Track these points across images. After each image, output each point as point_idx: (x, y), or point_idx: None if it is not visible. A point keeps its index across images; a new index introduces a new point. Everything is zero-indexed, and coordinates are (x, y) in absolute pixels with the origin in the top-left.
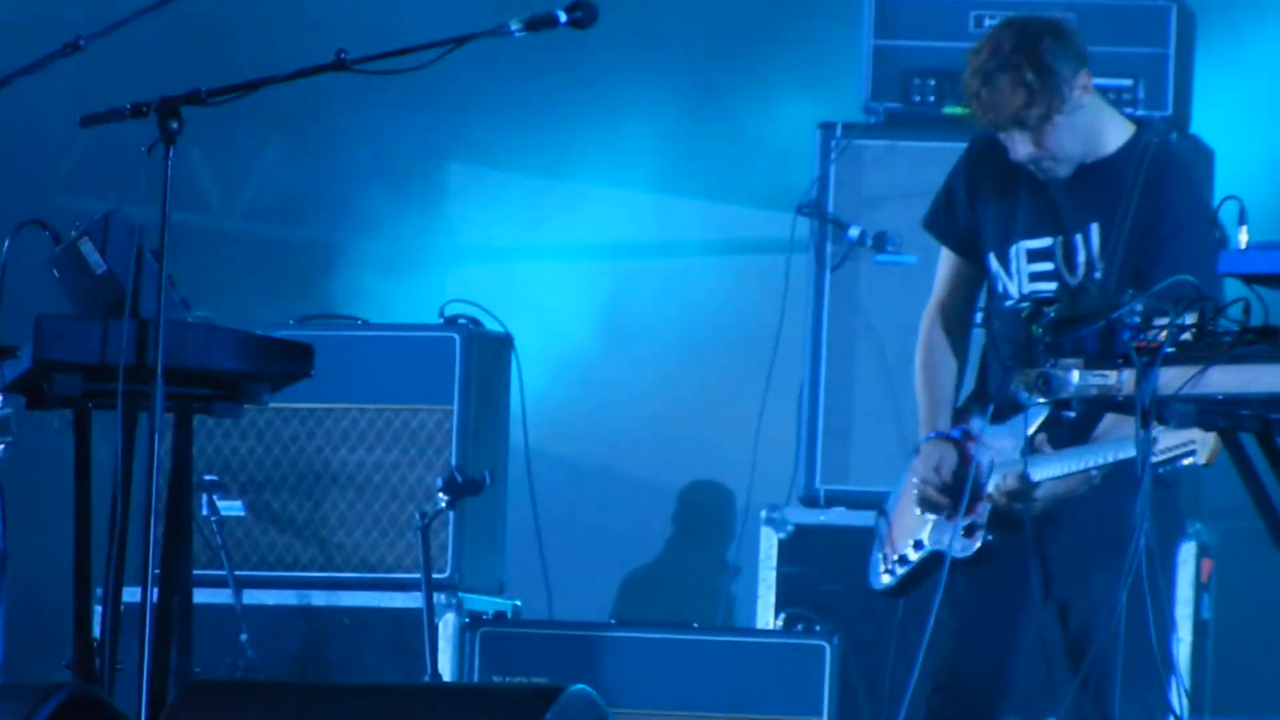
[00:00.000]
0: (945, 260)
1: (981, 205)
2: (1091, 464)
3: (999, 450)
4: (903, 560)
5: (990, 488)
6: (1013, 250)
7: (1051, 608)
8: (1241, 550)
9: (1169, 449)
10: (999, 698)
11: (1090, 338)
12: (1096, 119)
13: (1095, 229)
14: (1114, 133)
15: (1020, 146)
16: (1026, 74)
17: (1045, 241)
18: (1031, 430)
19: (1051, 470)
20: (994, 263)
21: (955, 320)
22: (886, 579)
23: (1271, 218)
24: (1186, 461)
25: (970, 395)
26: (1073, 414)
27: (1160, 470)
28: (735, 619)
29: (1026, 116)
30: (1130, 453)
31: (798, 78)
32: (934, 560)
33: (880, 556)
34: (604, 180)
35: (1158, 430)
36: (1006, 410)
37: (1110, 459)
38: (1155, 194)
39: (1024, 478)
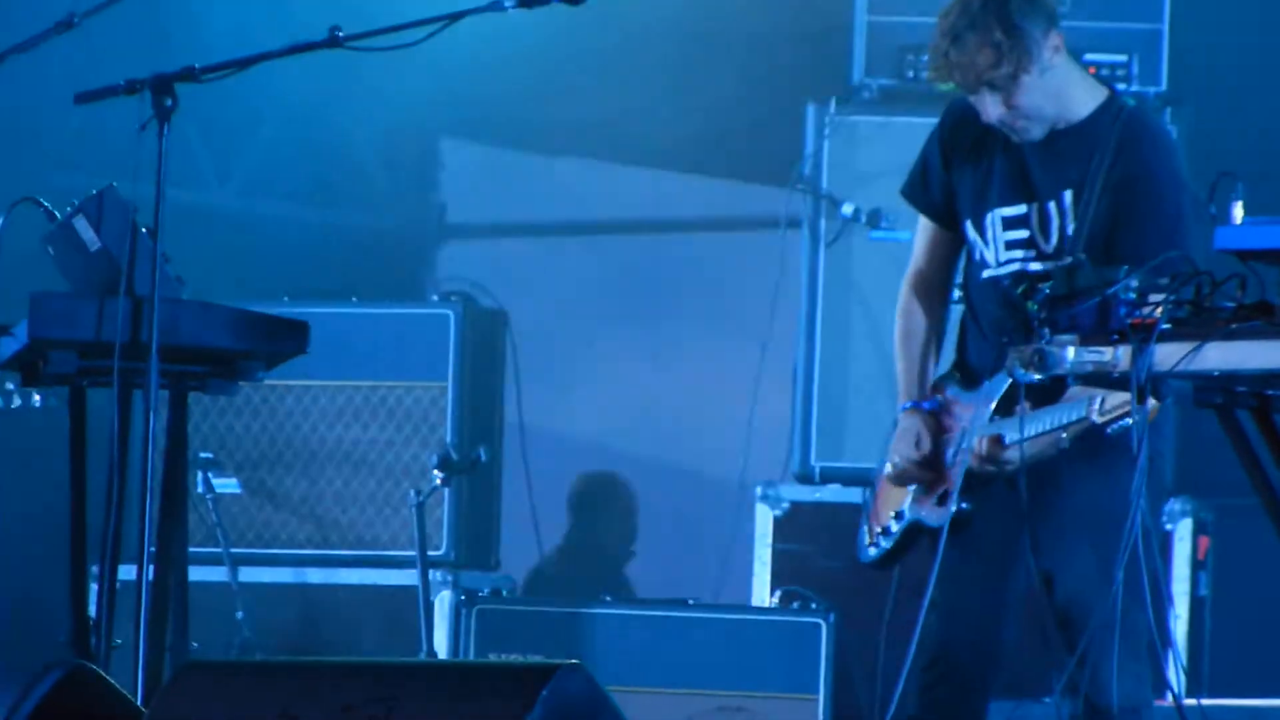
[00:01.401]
0: (923, 229)
1: (957, 172)
2: (1043, 428)
3: (972, 417)
4: (886, 532)
5: (964, 453)
6: (988, 218)
7: (1037, 577)
8: (1238, 527)
9: (1115, 407)
10: (990, 670)
11: (1085, 314)
12: (1068, 81)
13: (1068, 195)
14: (1086, 97)
15: (991, 108)
16: (995, 33)
17: (1020, 209)
18: (999, 394)
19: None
20: (971, 230)
21: (933, 289)
22: (873, 551)
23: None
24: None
25: (951, 365)
26: (1033, 380)
27: (1109, 430)
28: (731, 596)
29: (995, 76)
30: (1078, 413)
31: (791, 53)
32: (915, 530)
33: (866, 529)
34: (597, 156)
35: (1105, 391)
36: (980, 376)
37: (1059, 422)
38: (1127, 158)
39: (997, 440)
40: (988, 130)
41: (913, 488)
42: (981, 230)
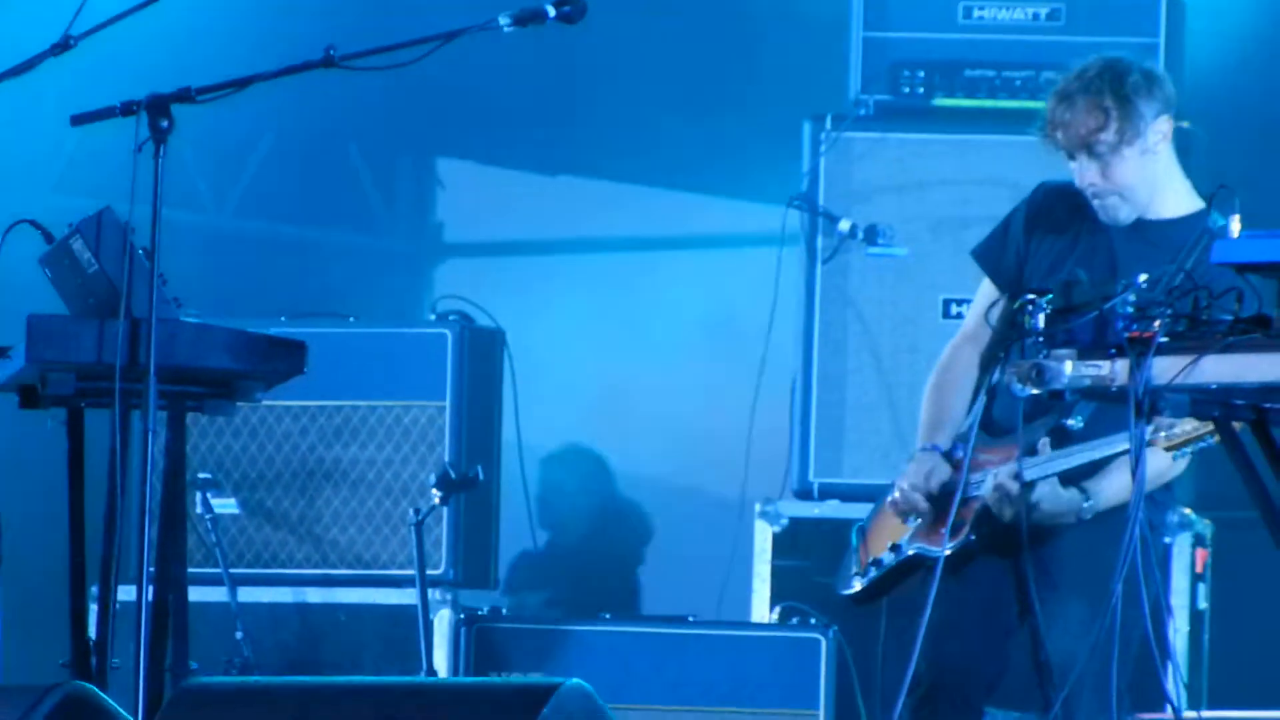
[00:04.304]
0: (982, 294)
1: (1036, 242)
2: (1085, 459)
3: (995, 460)
4: (877, 563)
5: (983, 489)
6: None
7: (1026, 628)
8: (1237, 540)
9: (1181, 433)
10: (978, 691)
11: (1083, 328)
12: (1168, 176)
13: (1142, 279)
14: (1181, 198)
15: (1087, 173)
16: (1106, 99)
17: None
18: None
19: (1045, 468)
20: None
21: (979, 353)
22: (857, 584)
23: (1262, 205)
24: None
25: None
26: (1079, 426)
27: (1175, 457)
28: (730, 613)
29: (1097, 141)
30: (1121, 445)
31: (787, 70)
32: (909, 564)
33: (854, 561)
34: (595, 174)
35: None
36: (1003, 431)
37: (1114, 449)
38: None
39: (1018, 476)
40: (1077, 211)
41: (913, 523)
42: None
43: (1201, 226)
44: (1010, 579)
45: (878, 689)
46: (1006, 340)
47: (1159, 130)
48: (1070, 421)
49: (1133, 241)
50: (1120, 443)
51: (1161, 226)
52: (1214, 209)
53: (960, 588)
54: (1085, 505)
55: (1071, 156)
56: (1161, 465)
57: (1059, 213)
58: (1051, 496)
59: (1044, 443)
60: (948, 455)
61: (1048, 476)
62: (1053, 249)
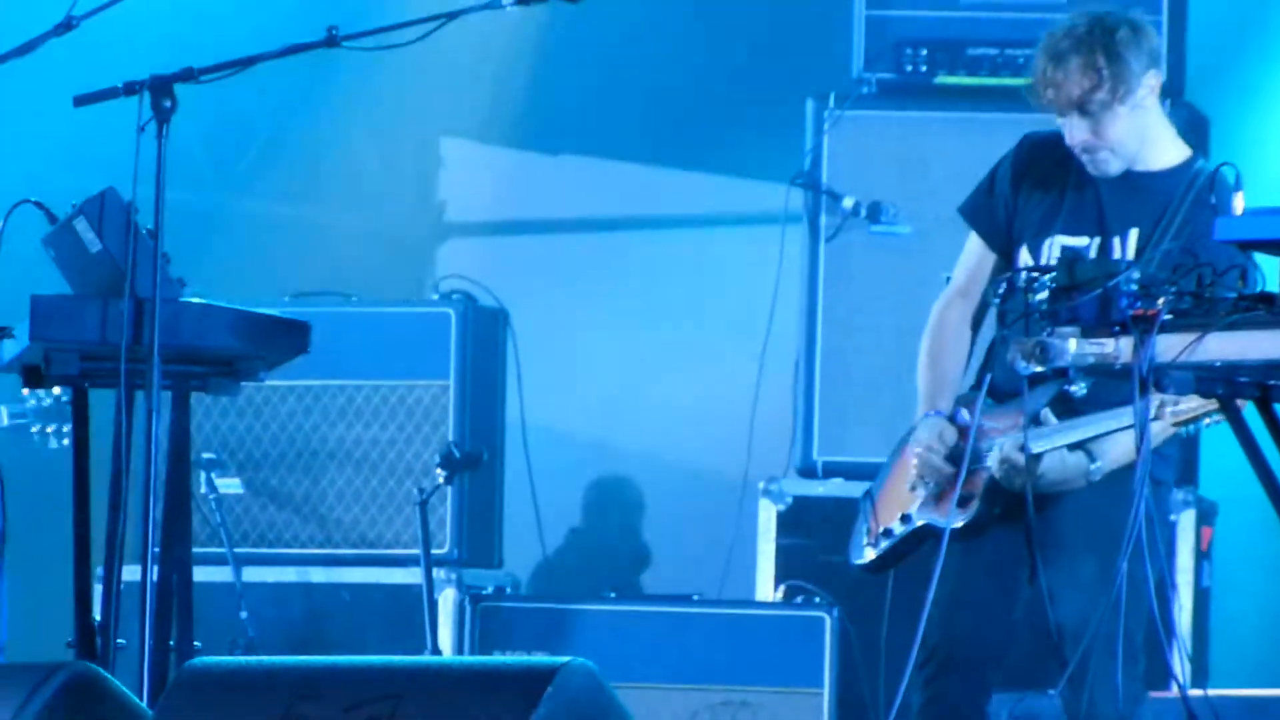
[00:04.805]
0: (971, 250)
1: (1024, 197)
2: (1091, 433)
3: (1000, 428)
4: (888, 533)
5: (990, 460)
6: (1046, 243)
7: (1038, 590)
8: (1241, 517)
9: (1184, 410)
10: (990, 668)
11: (1087, 305)
12: (1156, 128)
13: (1134, 233)
14: (1169, 149)
15: (1078, 132)
16: (1098, 58)
17: (1083, 240)
18: (1044, 404)
19: (1052, 440)
20: (1024, 255)
21: (970, 311)
22: (870, 553)
23: (1267, 183)
24: (1207, 422)
25: (972, 386)
26: (1082, 392)
27: (1184, 433)
28: (734, 591)
29: (1090, 100)
30: (1126, 419)
31: (790, 48)
32: (919, 535)
33: (864, 530)
34: (598, 153)
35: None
36: (1013, 394)
37: (1110, 427)
38: (1198, 221)
39: (1023, 448)
40: (1063, 163)
41: (922, 492)
42: (1036, 255)
43: (1190, 174)
44: (1019, 543)
45: (882, 665)
46: (1004, 313)
47: (1148, 84)
48: (1073, 388)
49: (1121, 193)
50: (1125, 416)
51: (1150, 177)
52: (1202, 159)
53: (970, 558)
54: (1093, 468)
55: (1062, 114)
56: (1159, 426)
57: (1045, 165)
58: (1058, 464)
59: (1047, 412)
60: (951, 420)
61: (1055, 449)
62: (1041, 203)
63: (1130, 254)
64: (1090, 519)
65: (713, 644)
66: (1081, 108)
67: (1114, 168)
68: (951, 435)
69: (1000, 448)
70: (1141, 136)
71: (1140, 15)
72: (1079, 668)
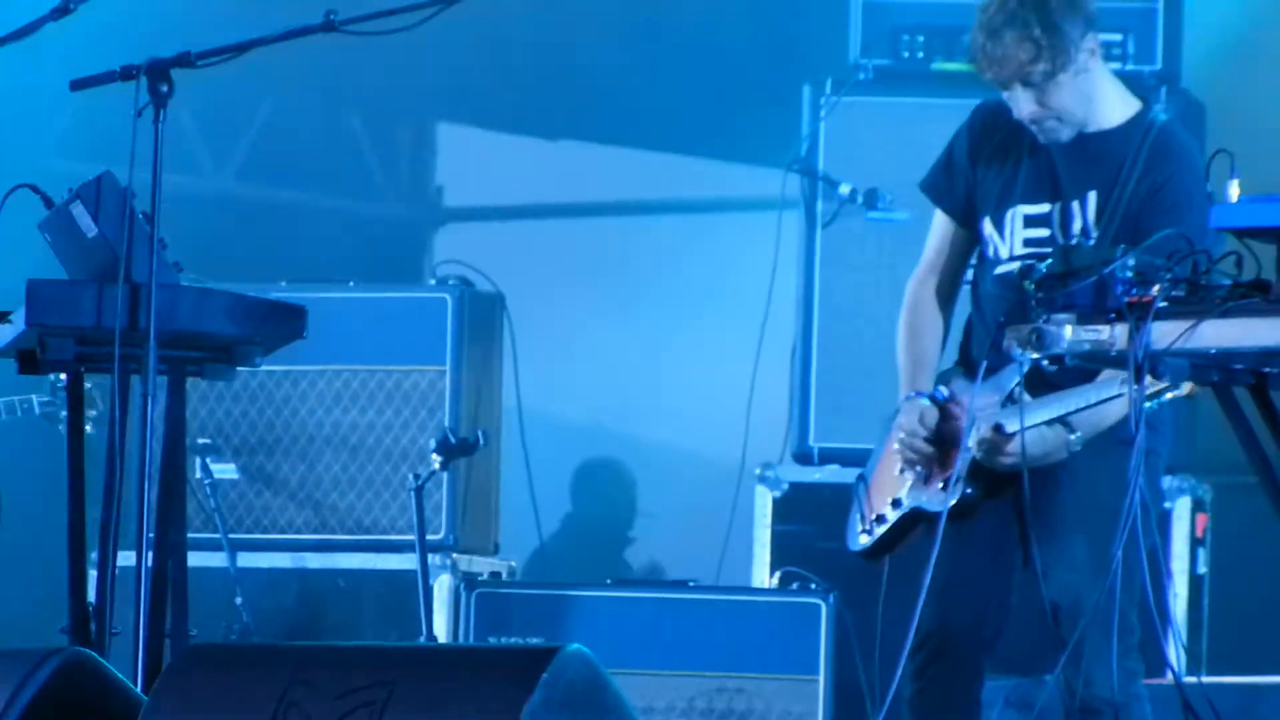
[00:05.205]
0: (938, 225)
1: (982, 169)
2: (1068, 409)
3: (981, 407)
4: (880, 519)
5: (970, 441)
6: (1009, 214)
7: (1031, 570)
8: (1236, 504)
9: (1152, 383)
10: (981, 652)
11: (1083, 293)
12: (1102, 87)
13: (1093, 197)
14: (1118, 105)
15: (1023, 104)
16: (1034, 29)
17: (1043, 207)
18: (1015, 382)
19: (1029, 418)
20: (988, 227)
21: (943, 286)
22: (864, 539)
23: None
24: (1169, 395)
25: (955, 362)
26: (1054, 368)
27: (1149, 405)
28: (730, 578)
29: (1031, 72)
30: (1108, 392)
31: (787, 33)
32: (912, 519)
33: (858, 517)
34: (594, 138)
35: None
36: (989, 370)
37: (1087, 401)
38: (1155, 171)
39: (998, 428)
40: (1016, 132)
41: (911, 476)
42: (1000, 226)
43: (1144, 127)
44: (1012, 526)
45: (878, 652)
46: (976, 286)
47: (1087, 48)
48: (1045, 363)
49: (1075, 158)
50: (1096, 391)
51: (1102, 138)
52: (1156, 108)
53: (962, 540)
54: (1072, 439)
55: (1005, 88)
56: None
57: (1000, 135)
58: (1038, 439)
59: (1019, 390)
60: (933, 399)
61: (1033, 426)
62: (1000, 175)
63: (1091, 218)
64: (1078, 492)
65: (709, 630)
66: (1024, 80)
67: (1064, 135)
68: (932, 416)
69: (978, 429)
70: (1088, 99)
71: None
72: (1075, 647)
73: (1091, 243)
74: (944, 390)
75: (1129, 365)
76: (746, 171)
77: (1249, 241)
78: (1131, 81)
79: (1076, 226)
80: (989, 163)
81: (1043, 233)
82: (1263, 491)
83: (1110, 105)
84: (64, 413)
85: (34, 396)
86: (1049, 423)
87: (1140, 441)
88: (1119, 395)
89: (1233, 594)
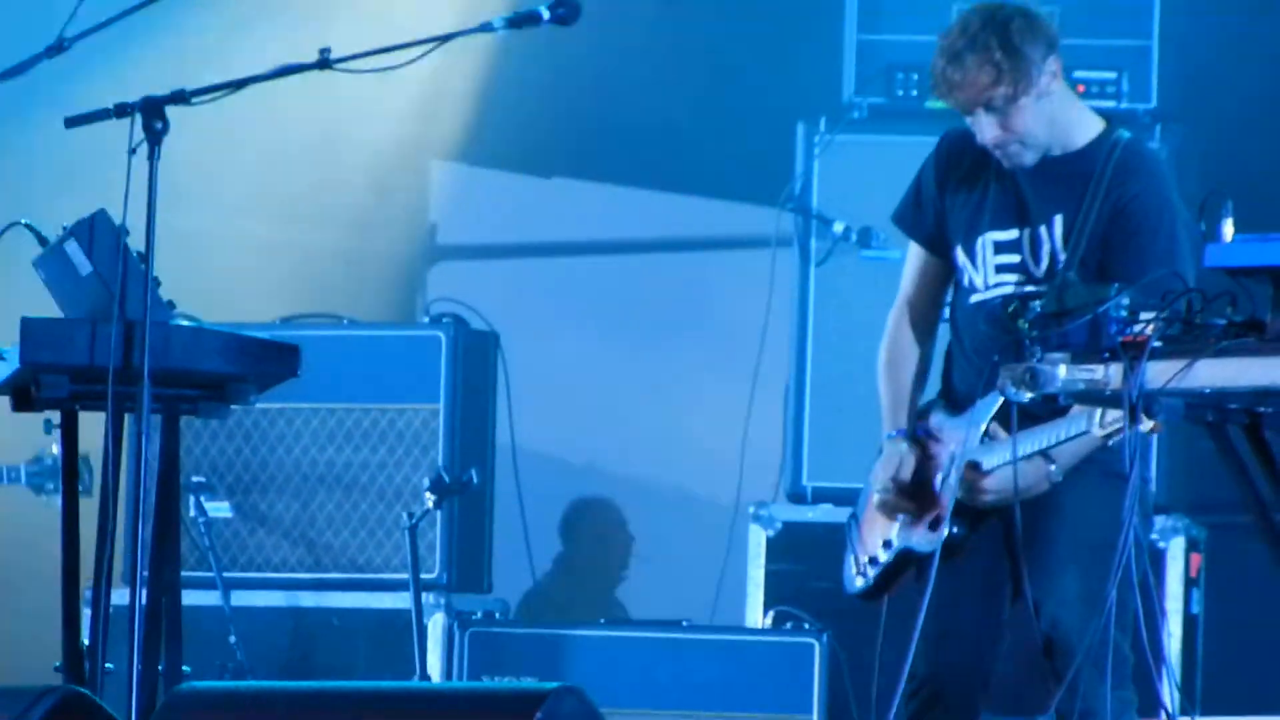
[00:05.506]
0: (912, 256)
1: (950, 198)
2: (1040, 445)
3: (959, 442)
4: (873, 561)
5: (952, 479)
6: (979, 242)
7: (1022, 605)
8: (1230, 544)
9: (1115, 420)
10: (977, 693)
11: (1077, 332)
12: (1065, 110)
13: (1059, 220)
14: (1083, 127)
15: (987, 129)
16: (995, 54)
17: (1011, 233)
18: (988, 418)
19: (1001, 455)
20: (961, 256)
21: (921, 317)
22: (860, 582)
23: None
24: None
25: (937, 393)
26: (1024, 399)
27: (1110, 443)
28: (724, 617)
29: (993, 96)
30: (1077, 429)
31: (781, 71)
32: (905, 559)
33: (852, 559)
34: (587, 176)
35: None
36: (965, 403)
37: (1059, 437)
38: (1121, 189)
39: (974, 466)
40: (982, 159)
41: (900, 516)
42: (972, 255)
43: (1108, 147)
44: (1002, 559)
45: (874, 692)
46: (956, 321)
47: (1049, 70)
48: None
49: (1041, 182)
50: (1071, 426)
51: (1066, 160)
52: (1120, 128)
53: (954, 579)
54: (1052, 469)
55: (967, 113)
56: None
57: (966, 163)
58: (1019, 473)
59: (995, 426)
60: (914, 437)
61: (1008, 463)
62: (968, 203)
63: (1059, 242)
64: (1067, 524)
65: (702, 670)
66: (986, 105)
67: (1028, 159)
68: (910, 467)
69: (956, 468)
70: (1051, 122)
71: (1032, 4)
72: (1072, 685)
73: (1060, 266)
74: (924, 425)
75: (1124, 405)
76: (740, 209)
77: (1244, 280)
78: (1126, 120)
79: (1045, 251)
80: (957, 191)
81: (1013, 259)
82: (1257, 531)
83: (1074, 127)
84: (50, 484)
85: (22, 465)
86: (1026, 456)
87: (1134, 480)
88: (1085, 433)
89: (1227, 634)
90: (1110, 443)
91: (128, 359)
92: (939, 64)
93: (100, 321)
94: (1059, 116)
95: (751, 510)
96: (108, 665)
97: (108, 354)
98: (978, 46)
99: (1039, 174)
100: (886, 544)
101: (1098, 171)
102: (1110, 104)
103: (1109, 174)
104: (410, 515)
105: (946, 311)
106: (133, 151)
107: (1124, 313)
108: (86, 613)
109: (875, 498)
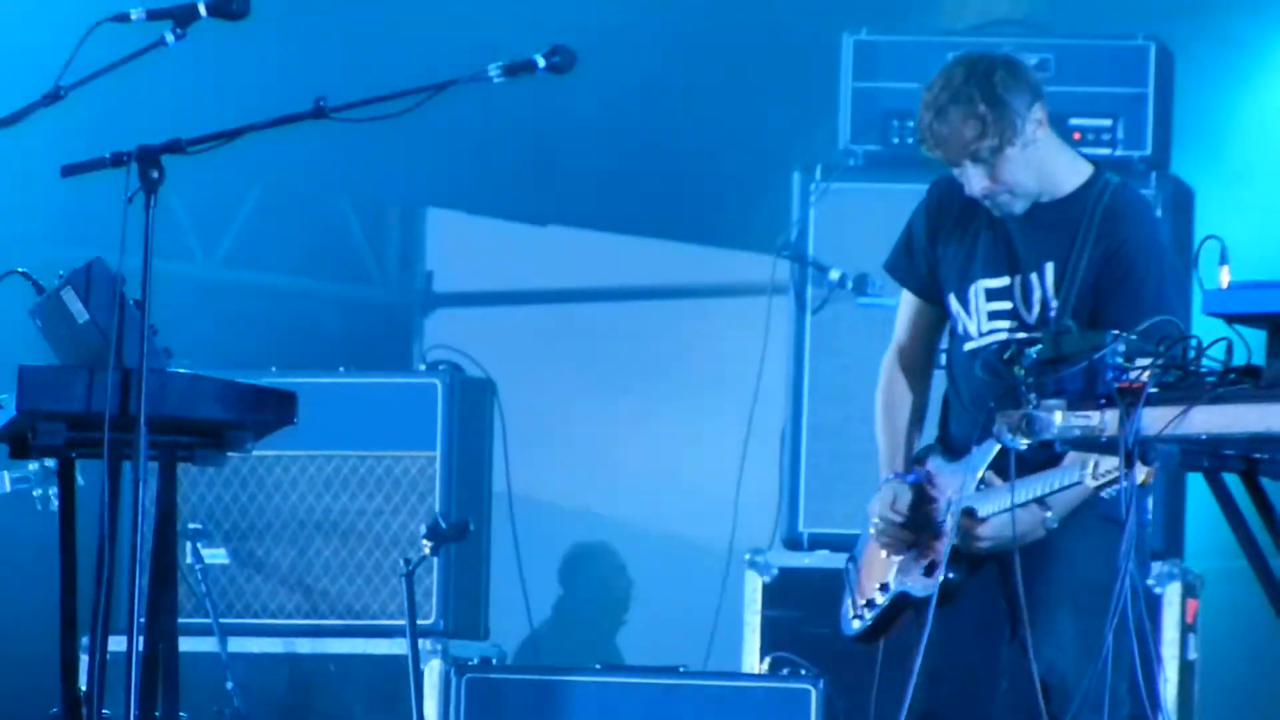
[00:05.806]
0: (906, 303)
1: (942, 246)
2: (1036, 493)
3: (956, 488)
4: (870, 604)
5: (948, 525)
6: (971, 290)
7: (1018, 648)
8: (1227, 590)
9: (1108, 471)
10: None
11: (1073, 378)
12: (1052, 156)
13: (1050, 267)
14: (1071, 173)
15: (974, 180)
16: (979, 106)
17: (1003, 280)
18: (985, 465)
19: (996, 503)
20: (954, 303)
21: (916, 364)
22: (857, 624)
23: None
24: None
25: (934, 439)
26: (1020, 446)
27: (1104, 495)
28: (720, 663)
29: (979, 148)
30: (1071, 478)
31: (777, 119)
32: (901, 602)
33: (850, 603)
34: (584, 224)
35: (1098, 455)
36: (962, 449)
37: (1053, 486)
38: (1110, 235)
39: (970, 513)
40: (972, 205)
41: (897, 559)
42: (965, 303)
43: (1096, 191)
44: (998, 603)
45: None
46: (951, 368)
47: (1034, 119)
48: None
49: (1031, 229)
50: (1065, 476)
51: (1056, 206)
52: (1108, 173)
53: (950, 624)
54: (1048, 516)
55: (954, 164)
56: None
57: (956, 211)
58: (1012, 520)
59: (990, 474)
60: (913, 485)
61: (1004, 511)
62: (959, 252)
63: (1050, 289)
64: (1063, 568)
65: (699, 716)
66: (972, 157)
67: (1018, 207)
68: (904, 500)
69: (952, 515)
70: (1039, 170)
71: (1016, 53)
72: None
73: (1052, 314)
74: (921, 471)
75: (1119, 451)
76: (736, 257)
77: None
78: (1121, 167)
79: (1036, 298)
80: (948, 239)
81: (1005, 305)
82: (1253, 577)
83: (1062, 173)
84: (36, 491)
85: (5, 473)
86: (1022, 504)
87: (1131, 528)
88: (1078, 484)
89: (1223, 679)
90: (1104, 494)
91: (124, 406)
92: (924, 117)
93: (97, 369)
94: (1046, 163)
95: (747, 556)
96: (105, 712)
97: (104, 401)
98: (961, 99)
99: (1029, 221)
100: (883, 587)
101: (1087, 217)
102: (1105, 151)
103: (1098, 219)
104: (407, 561)
105: (943, 359)
106: (129, 200)
107: (1120, 359)
108: (84, 659)
109: (871, 529)
